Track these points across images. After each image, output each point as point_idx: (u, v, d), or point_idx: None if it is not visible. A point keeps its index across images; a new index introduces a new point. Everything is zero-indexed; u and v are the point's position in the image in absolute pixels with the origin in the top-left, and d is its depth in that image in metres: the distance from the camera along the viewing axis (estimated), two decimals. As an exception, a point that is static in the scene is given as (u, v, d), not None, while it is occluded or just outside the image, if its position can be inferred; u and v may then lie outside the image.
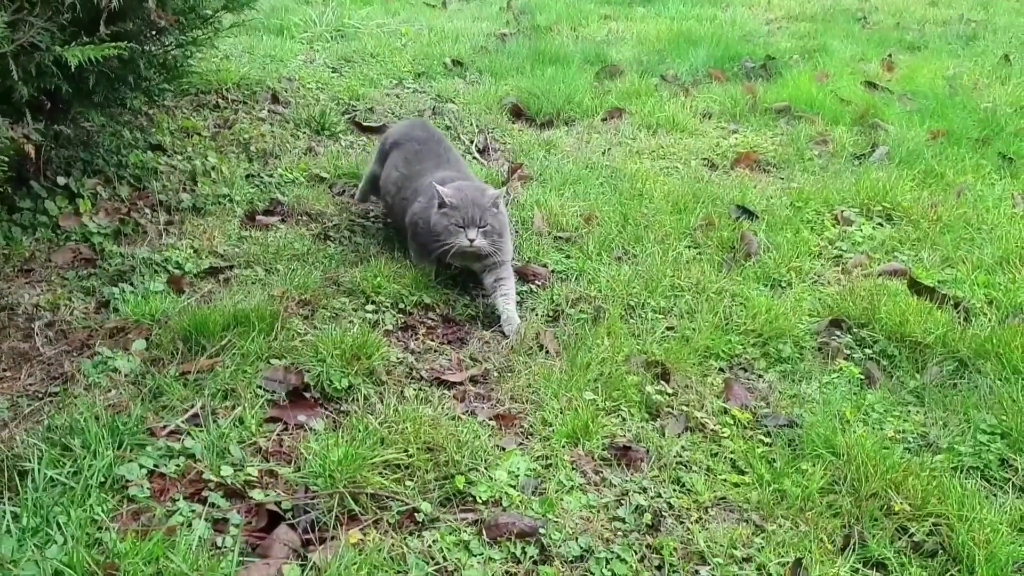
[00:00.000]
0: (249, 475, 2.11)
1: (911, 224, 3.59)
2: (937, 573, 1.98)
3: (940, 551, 2.03)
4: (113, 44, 2.71)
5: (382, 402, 2.38)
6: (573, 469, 2.23)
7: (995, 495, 2.21)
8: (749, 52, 6.11)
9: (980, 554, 1.98)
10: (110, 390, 2.36)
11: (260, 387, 2.41)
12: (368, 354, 2.54)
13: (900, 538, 2.07)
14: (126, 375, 2.42)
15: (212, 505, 2.00)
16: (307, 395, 2.41)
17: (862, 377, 2.69)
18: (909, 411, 2.56)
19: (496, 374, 2.65)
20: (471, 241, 2.96)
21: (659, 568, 1.96)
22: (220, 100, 4.60)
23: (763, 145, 4.54)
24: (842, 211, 3.70)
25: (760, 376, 2.73)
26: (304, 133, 4.40)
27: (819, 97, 5.09)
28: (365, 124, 4.63)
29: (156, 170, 3.62)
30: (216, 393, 2.36)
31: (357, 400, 2.41)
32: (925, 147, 4.33)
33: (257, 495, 2.05)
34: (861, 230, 3.57)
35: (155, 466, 2.09)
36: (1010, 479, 2.26)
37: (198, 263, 3.08)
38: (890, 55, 6.24)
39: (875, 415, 2.51)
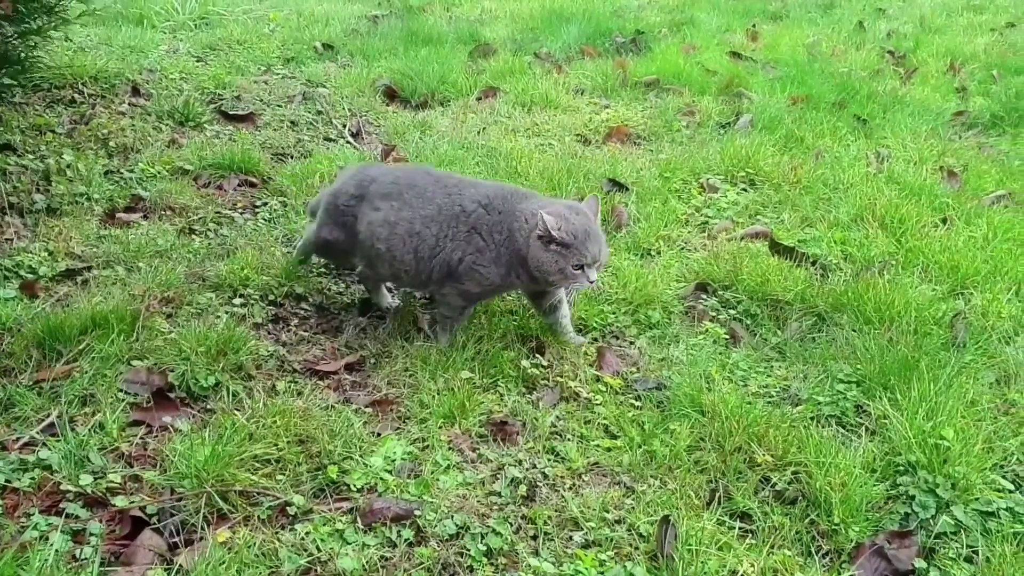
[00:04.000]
0: (111, 482, 2.03)
1: (773, 188, 3.73)
2: (798, 518, 2.08)
3: (800, 497, 2.13)
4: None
5: (251, 397, 2.33)
6: (450, 449, 2.24)
7: (851, 440, 2.33)
8: (619, 27, 6.21)
9: (836, 497, 2.08)
10: (-45, 406, 2.23)
11: (121, 390, 2.32)
12: (235, 349, 2.48)
13: (763, 488, 2.16)
14: (-27, 389, 2.29)
15: (70, 516, 1.92)
16: (171, 395, 2.33)
17: (727, 337, 2.79)
18: (772, 366, 2.67)
19: (373, 360, 2.63)
20: (592, 283, 2.56)
21: (534, 538, 1.98)
22: (76, 94, 4.37)
23: (633, 119, 4.63)
24: (708, 179, 3.81)
25: (631, 343, 2.79)
26: (167, 125, 4.23)
27: (686, 69, 5.22)
28: (232, 113, 4.49)
29: (4, 171, 3.42)
30: (74, 400, 2.26)
31: (225, 397, 2.35)
32: (786, 113, 4.50)
33: (120, 502, 1.98)
34: (726, 196, 3.69)
35: (7, 481, 1.98)
36: (864, 424, 2.38)
37: (53, 266, 2.93)
38: (754, 25, 6.44)
39: (740, 372, 2.60)
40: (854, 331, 2.73)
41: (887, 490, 2.16)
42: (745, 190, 3.78)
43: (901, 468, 2.20)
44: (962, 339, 2.71)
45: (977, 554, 1.99)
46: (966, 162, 4.09)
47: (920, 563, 1.97)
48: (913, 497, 2.12)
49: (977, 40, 6.17)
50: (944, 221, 3.43)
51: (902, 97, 4.87)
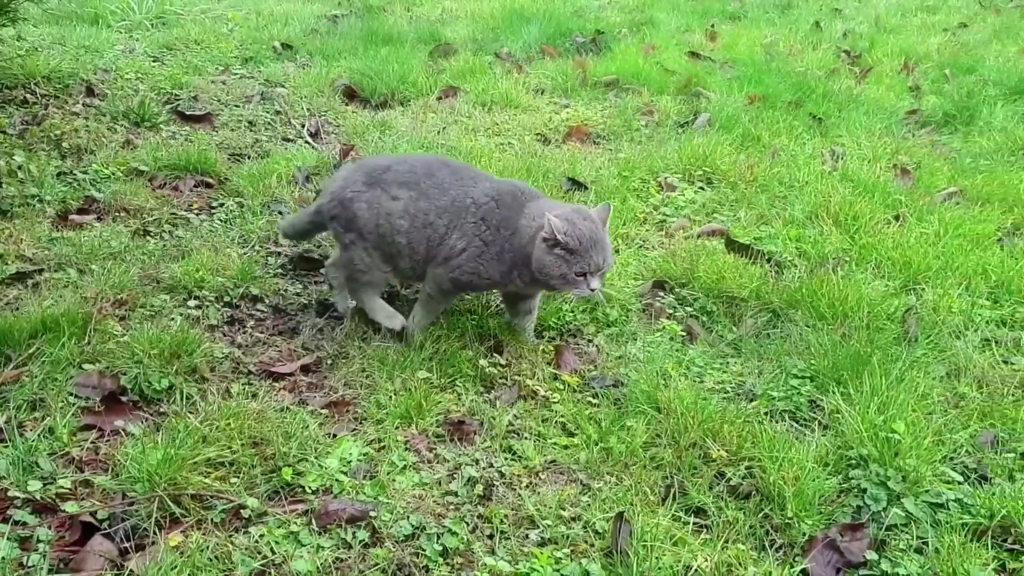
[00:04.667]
0: (61, 487, 2.00)
1: (730, 186, 3.77)
2: (752, 513, 2.10)
3: (754, 492, 2.15)
4: None
5: (204, 400, 2.30)
6: (407, 449, 2.23)
7: (804, 435, 2.36)
8: (580, 27, 6.23)
9: (790, 491, 2.11)
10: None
11: (72, 394, 2.28)
12: (189, 351, 2.45)
13: (718, 483, 2.18)
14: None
15: (18, 523, 1.89)
16: (124, 399, 2.30)
17: (684, 334, 2.81)
18: (727, 362, 2.69)
19: (330, 362, 2.61)
20: (593, 291, 2.51)
21: (491, 537, 1.99)
22: (28, 95, 4.29)
23: (593, 118, 4.65)
24: (666, 178, 3.84)
25: (589, 341, 2.80)
26: (122, 126, 4.17)
27: (646, 69, 5.25)
28: (188, 113, 4.43)
29: (-49, 174, 3.36)
30: (23, 405, 2.22)
31: (178, 400, 2.32)
32: (743, 112, 4.55)
33: (70, 507, 1.94)
34: (684, 195, 3.72)
35: (-48, 489, 1.94)
36: (817, 418, 2.42)
37: (3, 269, 2.87)
38: (713, 25, 6.50)
39: (696, 369, 2.62)
40: (808, 327, 2.77)
41: (840, 483, 2.19)
42: (702, 188, 3.81)
43: (853, 462, 2.23)
44: (914, 334, 2.76)
45: (927, 545, 2.02)
46: (919, 160, 4.17)
47: (872, 555, 1.99)
48: (865, 490, 2.15)
49: (930, 40, 6.28)
50: (897, 218, 3.48)
51: (857, 96, 4.95)
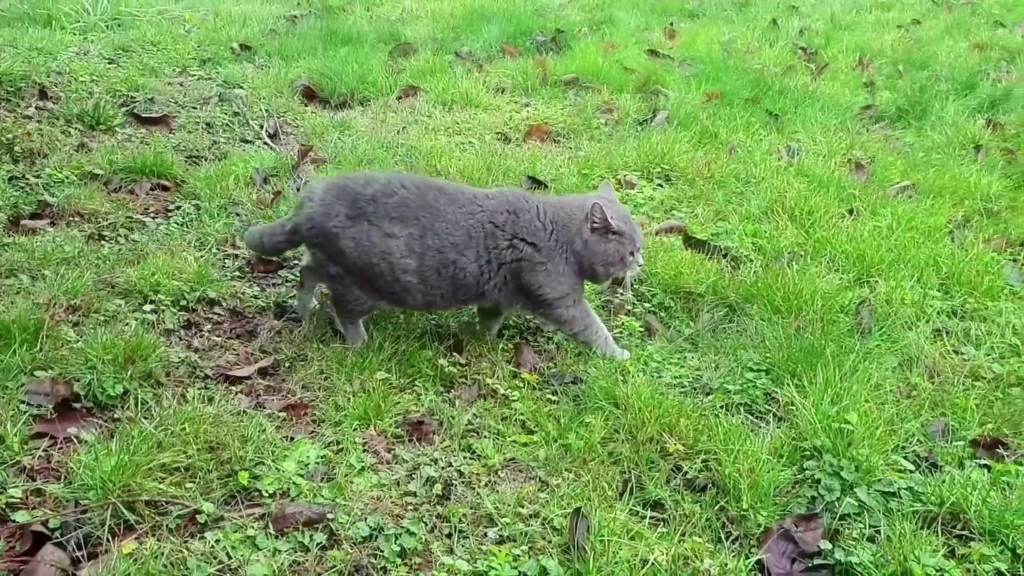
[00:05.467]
0: (12, 497, 1.96)
1: (687, 183, 3.80)
2: (708, 505, 2.12)
3: (710, 485, 2.17)
4: None
5: (160, 405, 2.28)
6: (365, 451, 2.23)
7: (759, 427, 2.39)
8: (540, 26, 6.24)
9: (745, 483, 2.13)
10: None
11: (24, 402, 2.24)
12: (144, 356, 2.42)
13: (675, 477, 2.21)
14: None
15: (-33, 534, 1.86)
16: (77, 406, 2.27)
17: (642, 330, 2.83)
18: (685, 357, 2.71)
19: (288, 364, 2.60)
20: (640, 266, 2.68)
21: (449, 536, 1.99)
22: (-23, 99, 4.23)
23: (553, 116, 4.66)
24: (625, 175, 3.86)
25: (549, 338, 2.82)
26: (76, 129, 4.11)
27: (605, 67, 5.28)
28: (145, 116, 4.38)
29: (-101, 179, 3.29)
30: (-28, 414, 2.18)
31: (133, 406, 2.29)
32: (701, 109, 4.59)
33: (21, 517, 1.91)
34: (642, 192, 3.74)
35: (-102, 501, 1.91)
36: (772, 411, 2.45)
37: (-48, 277, 2.83)
38: (672, 23, 6.55)
39: (653, 364, 2.64)
40: (763, 321, 2.80)
41: (794, 474, 2.21)
42: (661, 185, 3.84)
43: (807, 453, 2.26)
44: (867, 325, 2.80)
45: (879, 533, 2.05)
46: (873, 154, 4.23)
47: (825, 544, 2.02)
48: (819, 481, 2.18)
49: (885, 36, 6.38)
50: (851, 212, 3.54)
51: (813, 92, 5.01)
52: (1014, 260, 3.28)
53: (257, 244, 2.83)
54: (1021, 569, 1.95)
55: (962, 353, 2.75)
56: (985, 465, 2.25)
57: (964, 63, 5.64)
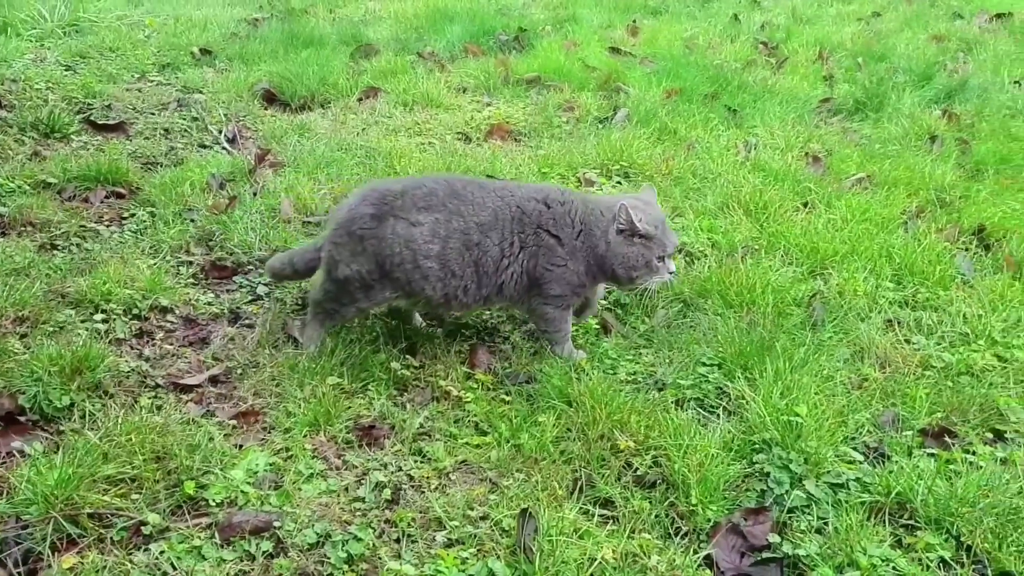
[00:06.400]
0: (-48, 515, 1.94)
1: (646, 179, 3.81)
2: (658, 501, 2.13)
3: (660, 481, 2.18)
4: None
5: (107, 416, 2.25)
6: (314, 457, 2.22)
7: (710, 421, 2.39)
8: (504, 25, 6.24)
9: (694, 478, 2.14)
10: None
11: (-34, 417, 2.22)
12: (92, 367, 2.40)
13: (626, 474, 2.21)
14: None
15: (-96, 554, 1.83)
16: (22, 419, 2.25)
17: (598, 327, 2.83)
18: (640, 353, 2.72)
19: (240, 371, 2.58)
20: (673, 274, 2.56)
21: (397, 541, 1.98)
22: (-70, 108, 4.17)
23: (515, 115, 4.66)
24: (585, 173, 3.87)
25: (506, 338, 2.81)
26: (30, 137, 4.07)
27: (567, 66, 5.28)
28: (101, 123, 4.34)
29: None
30: (-87, 431, 2.15)
31: (82, 417, 2.27)
32: (661, 106, 4.60)
33: (-40, 535, 1.89)
34: (601, 189, 3.75)
35: None
36: (723, 405, 2.46)
37: (-102, 289, 2.78)
38: (634, 21, 6.56)
39: (608, 361, 2.65)
40: (717, 315, 2.81)
41: (744, 468, 2.22)
42: (620, 182, 3.84)
43: (757, 446, 2.27)
44: (819, 318, 2.82)
45: (827, 525, 2.07)
46: (830, 147, 4.26)
47: (774, 538, 2.03)
48: (768, 474, 2.19)
49: (845, 29, 6.42)
50: (806, 205, 3.56)
51: (772, 86, 5.03)
52: (966, 249, 3.31)
53: (286, 266, 2.76)
54: (965, 557, 1.97)
55: (913, 343, 2.78)
56: (933, 454, 2.27)
57: (922, 55, 5.69)
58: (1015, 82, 5.16)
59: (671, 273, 2.53)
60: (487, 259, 2.51)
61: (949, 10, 7.08)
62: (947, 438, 2.34)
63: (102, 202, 3.57)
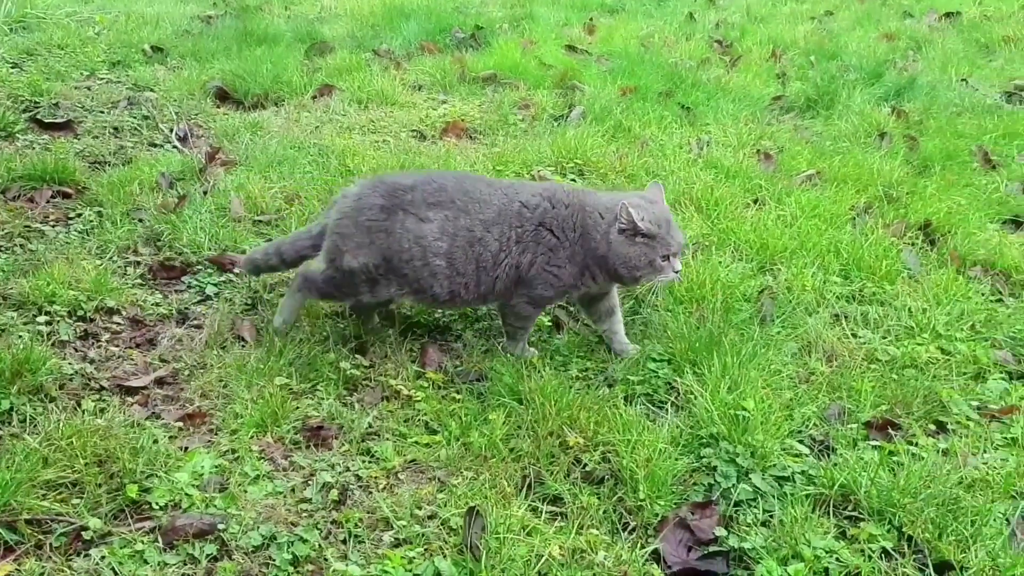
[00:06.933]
0: None
1: (600, 177, 3.82)
2: (607, 497, 2.14)
3: (608, 476, 2.19)
4: None
5: (48, 419, 2.21)
6: (261, 458, 2.19)
7: (659, 416, 2.41)
8: (461, 23, 6.22)
9: (642, 473, 2.15)
10: None
11: (-99, 424, 2.16)
12: (33, 370, 2.35)
13: (575, 470, 2.22)
14: None
15: None
16: (-42, 425, 2.20)
17: (551, 324, 2.84)
18: (593, 350, 2.73)
19: (187, 372, 2.55)
20: (677, 274, 2.52)
21: (344, 542, 1.97)
22: None
23: (470, 113, 4.65)
24: (539, 171, 3.87)
25: (457, 337, 2.81)
26: (-27, 137, 3.98)
27: (523, 63, 5.28)
28: (48, 121, 4.25)
29: None
30: None
31: (22, 421, 2.22)
32: (616, 104, 4.62)
33: None
34: (555, 187, 3.75)
35: None
36: (671, 400, 2.47)
37: None
38: (592, 19, 6.59)
39: (560, 358, 2.66)
40: (668, 311, 2.83)
41: (692, 463, 2.24)
42: (574, 180, 3.85)
43: (705, 441, 2.29)
44: (767, 312, 2.85)
45: (773, 518, 2.09)
46: (782, 144, 4.31)
47: (721, 531, 2.05)
48: (715, 468, 2.21)
49: (798, 28, 6.49)
50: (756, 201, 3.60)
51: (725, 84, 5.08)
52: (912, 244, 3.37)
53: (271, 257, 2.72)
54: (906, 547, 2.00)
55: (860, 337, 2.82)
56: (877, 446, 2.31)
57: (873, 53, 5.78)
58: (962, 80, 5.26)
59: (676, 272, 2.50)
60: (487, 254, 2.50)
61: (900, 9, 7.20)
62: (891, 430, 2.38)
63: (48, 202, 3.50)
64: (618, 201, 2.48)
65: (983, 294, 3.05)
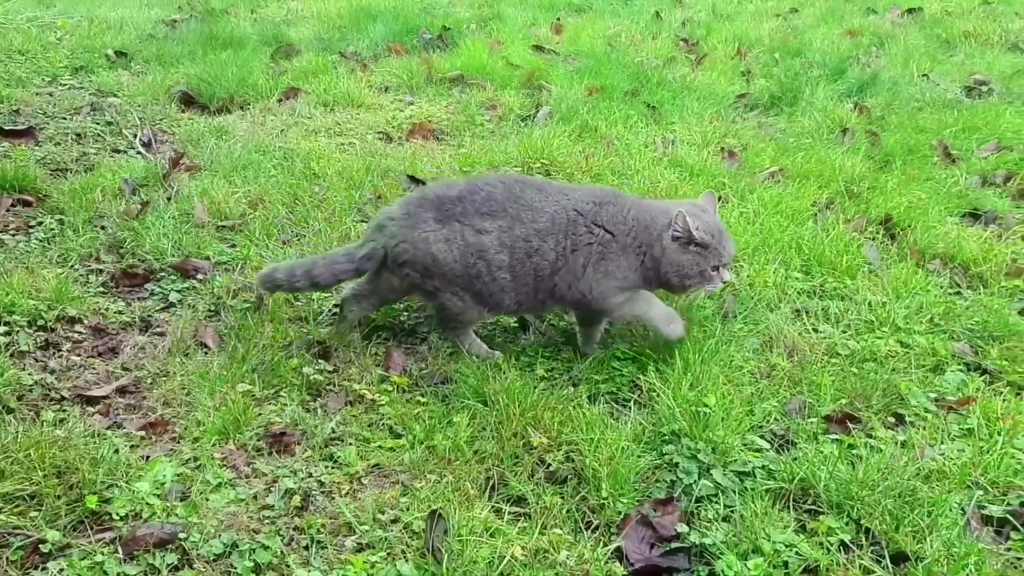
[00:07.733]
0: None
1: (566, 176, 3.84)
2: (570, 496, 2.15)
3: (571, 476, 2.20)
4: None
5: (4, 431, 2.18)
6: (223, 466, 2.18)
7: (622, 415, 2.43)
8: (428, 24, 6.22)
9: (605, 472, 2.16)
10: None
11: None
12: (-10, 382, 2.33)
13: (539, 471, 2.22)
14: None
15: None
16: (-86, 440, 2.17)
17: (516, 325, 2.85)
18: (559, 350, 2.74)
19: (150, 381, 2.53)
20: (725, 283, 2.56)
21: (307, 548, 1.96)
22: None
23: (437, 114, 4.65)
24: (506, 171, 3.87)
25: (423, 339, 2.81)
26: (-69, 144, 3.93)
27: (490, 64, 5.30)
28: (8, 128, 4.20)
29: None
30: None
31: (-22, 434, 2.20)
32: (582, 104, 4.64)
33: None
34: (521, 187, 3.76)
35: None
36: (635, 397, 2.49)
37: None
38: (559, 19, 6.60)
39: (526, 359, 2.67)
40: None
41: (654, 460, 2.26)
42: (540, 180, 3.86)
43: (667, 437, 2.31)
44: (730, 309, 2.88)
45: (734, 513, 2.11)
46: (746, 142, 4.35)
47: (683, 527, 2.07)
48: (677, 464, 2.23)
49: (763, 25, 6.55)
50: (720, 199, 3.62)
51: (691, 83, 5.11)
52: (873, 239, 3.41)
53: (298, 280, 2.59)
54: (864, 539, 2.03)
55: (820, 331, 2.85)
56: (837, 440, 2.34)
57: (836, 49, 5.84)
58: (923, 75, 5.33)
59: (724, 282, 2.53)
60: (544, 263, 2.52)
61: (864, 5, 7.28)
62: (850, 423, 2.41)
63: (8, 210, 3.46)
64: (671, 208, 2.50)
65: (942, 287, 3.09)
